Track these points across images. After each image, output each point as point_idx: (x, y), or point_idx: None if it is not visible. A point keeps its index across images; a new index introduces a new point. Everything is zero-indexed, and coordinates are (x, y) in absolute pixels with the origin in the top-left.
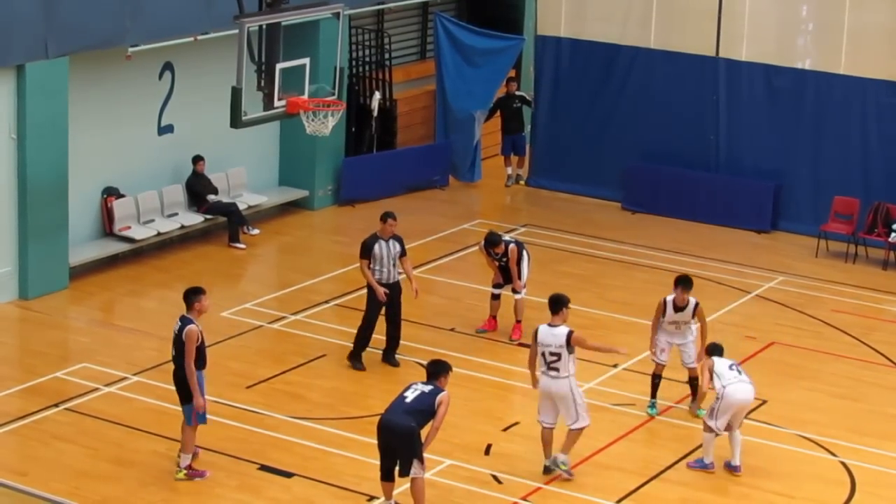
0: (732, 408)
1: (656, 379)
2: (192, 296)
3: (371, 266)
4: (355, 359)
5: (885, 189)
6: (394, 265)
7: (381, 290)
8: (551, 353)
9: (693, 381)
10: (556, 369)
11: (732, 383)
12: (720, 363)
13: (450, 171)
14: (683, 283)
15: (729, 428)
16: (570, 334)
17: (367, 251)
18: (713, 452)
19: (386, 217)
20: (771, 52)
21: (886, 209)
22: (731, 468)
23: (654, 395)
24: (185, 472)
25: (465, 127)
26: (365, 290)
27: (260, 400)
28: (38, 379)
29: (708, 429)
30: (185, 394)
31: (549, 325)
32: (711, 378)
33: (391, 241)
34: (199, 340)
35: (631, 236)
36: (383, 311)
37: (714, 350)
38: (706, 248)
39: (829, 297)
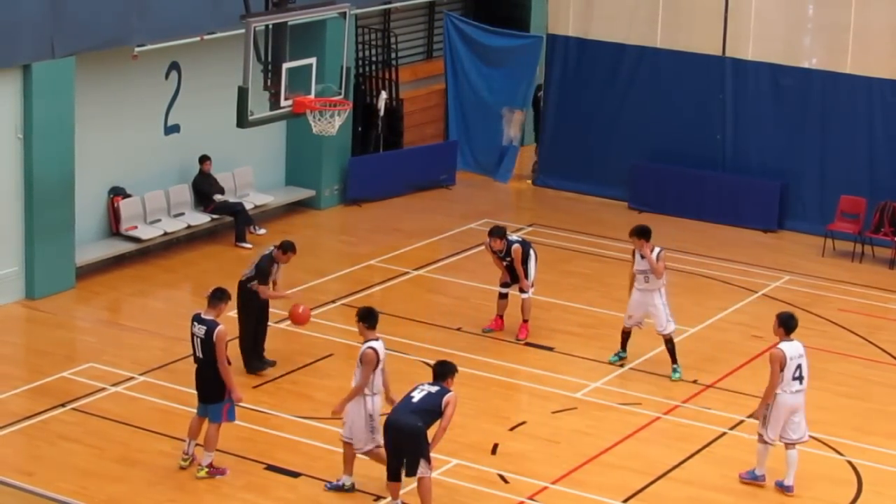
0: (784, 415)
1: (625, 335)
2: (221, 298)
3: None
4: (255, 366)
5: (892, 188)
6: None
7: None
8: (798, 366)
9: (669, 345)
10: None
11: (785, 392)
12: (792, 363)
13: (468, 164)
14: (637, 232)
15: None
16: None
17: (265, 276)
18: (766, 464)
19: (288, 249)
20: (777, 52)
21: (893, 208)
22: (783, 488)
23: (623, 346)
24: (206, 470)
25: (487, 124)
26: (371, 291)
27: (266, 400)
28: (45, 379)
29: (761, 439)
30: (214, 393)
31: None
32: (775, 384)
33: (281, 267)
34: None
35: None
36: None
37: (788, 325)
38: (712, 247)
39: (836, 296)
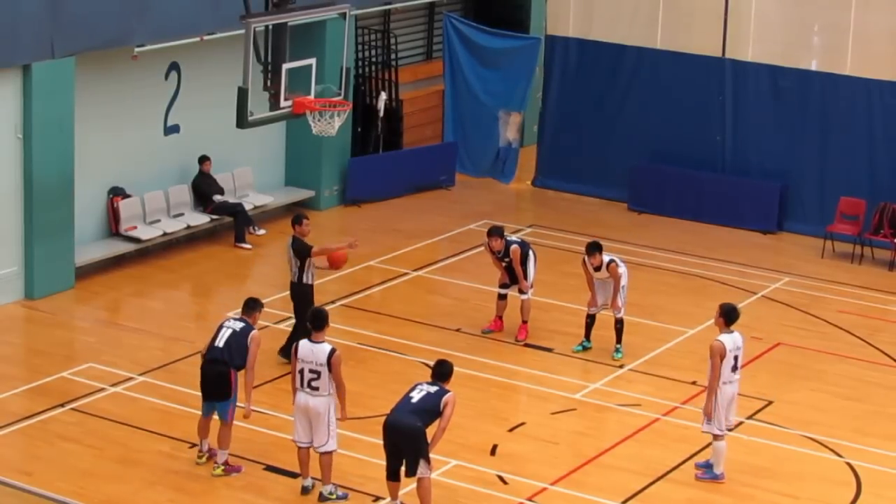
0: (725, 405)
1: (589, 319)
2: (254, 307)
3: (300, 265)
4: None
5: (891, 190)
6: None
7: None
8: (735, 357)
9: (618, 324)
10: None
11: (726, 384)
12: (730, 354)
13: (466, 169)
14: (589, 248)
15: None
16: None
17: (309, 248)
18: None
19: (302, 218)
20: (777, 53)
21: (892, 210)
22: (714, 478)
23: (587, 335)
24: (222, 467)
25: (484, 126)
26: (370, 292)
27: (266, 400)
28: (44, 379)
29: (717, 437)
30: (225, 390)
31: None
32: (718, 376)
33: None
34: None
35: (636, 237)
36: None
37: (730, 317)
38: (712, 248)
39: (835, 297)
